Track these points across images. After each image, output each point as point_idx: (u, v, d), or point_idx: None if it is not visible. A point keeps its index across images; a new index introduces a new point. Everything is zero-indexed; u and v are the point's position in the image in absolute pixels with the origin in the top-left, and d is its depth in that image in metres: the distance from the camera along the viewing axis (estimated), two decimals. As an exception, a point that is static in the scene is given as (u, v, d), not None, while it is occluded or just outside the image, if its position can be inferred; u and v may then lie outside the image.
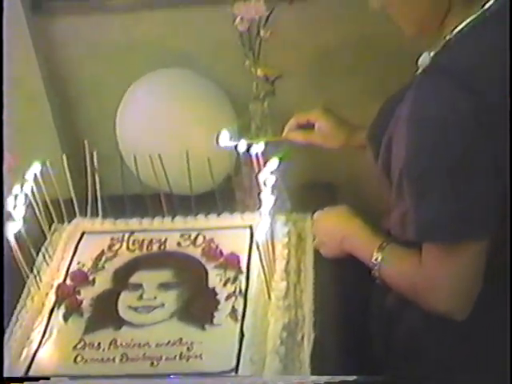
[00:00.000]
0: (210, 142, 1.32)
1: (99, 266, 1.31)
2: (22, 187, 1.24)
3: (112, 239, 1.37)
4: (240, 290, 1.21)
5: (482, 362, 1.10)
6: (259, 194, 1.18)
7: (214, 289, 1.23)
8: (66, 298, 1.23)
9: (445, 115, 0.94)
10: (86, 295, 1.24)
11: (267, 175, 1.20)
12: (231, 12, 1.33)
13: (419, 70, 1.06)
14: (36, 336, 1.16)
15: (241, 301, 1.19)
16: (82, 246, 1.37)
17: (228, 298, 1.20)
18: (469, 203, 0.97)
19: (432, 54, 1.04)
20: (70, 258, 1.33)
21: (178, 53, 1.56)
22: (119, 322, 1.18)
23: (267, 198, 1.15)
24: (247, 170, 1.36)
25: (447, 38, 1.01)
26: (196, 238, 1.36)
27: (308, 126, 1.37)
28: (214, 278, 1.25)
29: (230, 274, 1.25)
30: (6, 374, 1.01)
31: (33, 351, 1.13)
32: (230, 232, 1.36)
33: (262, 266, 1.12)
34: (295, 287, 1.22)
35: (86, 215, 1.42)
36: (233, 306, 1.18)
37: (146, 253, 1.34)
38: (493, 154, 0.96)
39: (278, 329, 1.11)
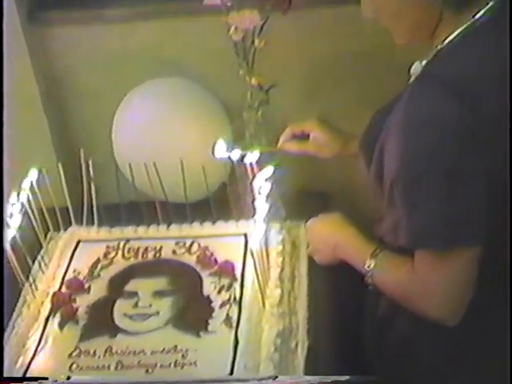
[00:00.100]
0: (205, 151, 1.33)
1: (95, 273, 1.31)
2: (18, 195, 1.24)
3: (107, 247, 1.38)
4: (234, 298, 1.22)
5: (474, 368, 1.11)
6: (253, 201, 1.18)
7: (208, 296, 1.23)
8: (62, 305, 1.23)
9: (437, 122, 0.95)
10: (82, 303, 1.24)
11: (261, 183, 1.20)
12: (226, 22, 1.33)
13: (411, 79, 1.07)
14: (32, 344, 1.16)
15: (235, 308, 1.19)
16: (77, 254, 1.37)
17: (222, 305, 1.21)
18: (461, 210, 0.97)
19: (423, 62, 1.05)
20: (65, 266, 1.33)
21: (173, 62, 1.57)
22: (114, 330, 1.18)
23: (261, 206, 1.16)
24: (242, 178, 1.37)
25: (438, 47, 1.02)
26: (191, 245, 1.36)
27: (303, 137, 1.37)
28: (209, 286, 1.26)
29: (225, 281, 1.26)
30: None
31: (28, 359, 1.13)
32: (225, 240, 1.37)
33: (257, 274, 1.12)
34: (289, 294, 1.23)
35: (81, 223, 1.42)
36: (227, 314, 1.19)
37: (141, 261, 1.35)
38: (484, 161, 0.96)
39: (272, 336, 1.11)
